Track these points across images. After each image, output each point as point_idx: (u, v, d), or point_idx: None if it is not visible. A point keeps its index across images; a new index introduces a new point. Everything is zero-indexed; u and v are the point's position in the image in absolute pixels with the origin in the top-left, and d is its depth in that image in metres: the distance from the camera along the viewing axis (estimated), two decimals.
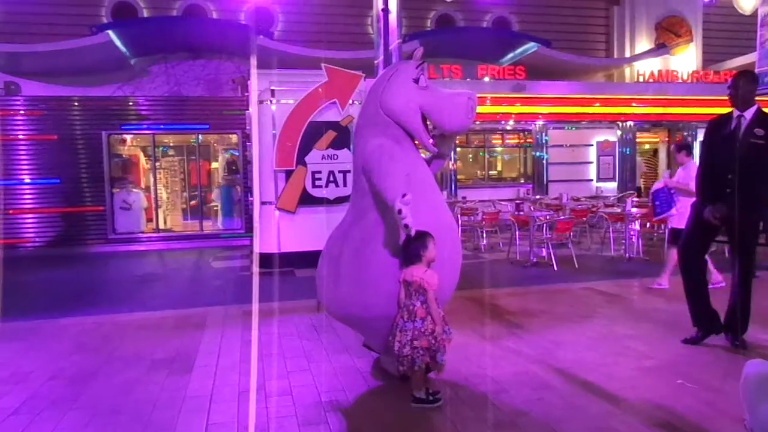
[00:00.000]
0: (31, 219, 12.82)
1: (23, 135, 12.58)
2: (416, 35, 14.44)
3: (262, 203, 9.70)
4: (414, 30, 15.37)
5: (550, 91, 15.04)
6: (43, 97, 12.77)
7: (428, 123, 3.86)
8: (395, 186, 3.36)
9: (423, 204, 3.75)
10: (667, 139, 17.53)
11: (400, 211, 3.18)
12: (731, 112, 4.57)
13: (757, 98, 4.60)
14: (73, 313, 6.62)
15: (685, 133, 16.48)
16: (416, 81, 3.77)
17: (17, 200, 12.55)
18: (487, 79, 14.44)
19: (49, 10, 13.34)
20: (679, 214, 6.96)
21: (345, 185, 9.18)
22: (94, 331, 5.74)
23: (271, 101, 9.69)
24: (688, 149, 7.51)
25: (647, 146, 18.58)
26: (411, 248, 3.51)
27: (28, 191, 12.75)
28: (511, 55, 15.51)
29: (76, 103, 12.87)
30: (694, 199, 6.80)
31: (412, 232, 3.31)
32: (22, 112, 12.54)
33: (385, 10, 6.80)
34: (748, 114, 4.46)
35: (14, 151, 12.47)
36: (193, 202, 14.44)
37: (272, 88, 9.77)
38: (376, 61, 7.34)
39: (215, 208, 14.48)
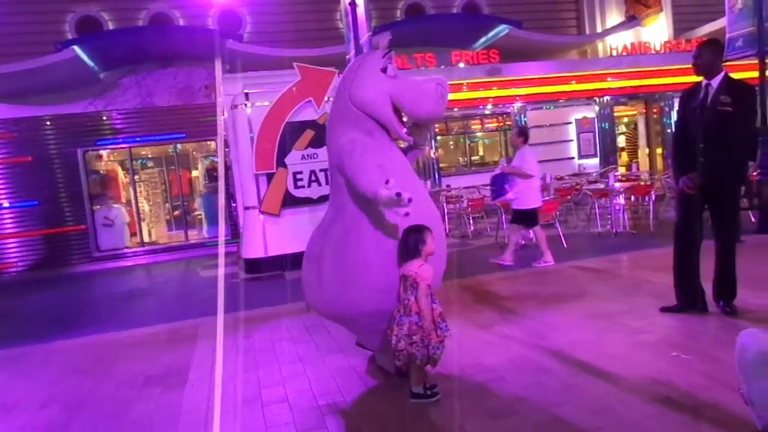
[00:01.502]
0: (11, 244, 12.62)
1: None
2: (386, 26, 14.34)
3: (246, 208, 9.61)
4: (384, 21, 15.28)
5: (526, 72, 15.04)
6: (13, 119, 12.54)
7: (401, 113, 3.80)
8: (371, 180, 3.27)
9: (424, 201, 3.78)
10: (644, 111, 17.62)
11: (397, 195, 2.99)
12: (701, 82, 4.58)
13: (729, 63, 4.61)
14: (61, 336, 6.51)
15: (662, 104, 16.59)
16: (384, 70, 3.71)
17: None
18: (461, 65, 14.41)
19: (13, 29, 13.09)
20: (520, 197, 7.58)
21: (327, 183, 9.11)
22: (84, 353, 5.65)
23: (246, 104, 9.58)
24: (526, 136, 7.96)
25: (626, 119, 18.69)
26: (409, 243, 3.46)
27: (6, 215, 12.56)
28: (483, 39, 15.47)
29: (48, 123, 12.68)
30: (533, 180, 7.34)
31: (408, 208, 3.08)
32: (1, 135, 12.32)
33: (353, 4, 6.73)
34: (715, 82, 4.49)
35: None
36: (176, 213, 14.30)
37: (246, 91, 9.67)
38: (347, 56, 7.27)
39: (199, 216, 14.36)
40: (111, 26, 13.99)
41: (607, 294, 5.67)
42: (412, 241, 3.45)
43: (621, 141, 18.06)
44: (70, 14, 13.79)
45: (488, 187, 13.43)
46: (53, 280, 11.68)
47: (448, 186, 14.02)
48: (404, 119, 3.82)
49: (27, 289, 10.85)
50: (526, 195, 7.59)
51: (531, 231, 8.00)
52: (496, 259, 7.91)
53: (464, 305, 5.80)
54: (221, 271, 10.53)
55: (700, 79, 4.62)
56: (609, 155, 16.44)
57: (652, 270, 6.34)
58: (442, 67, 14.53)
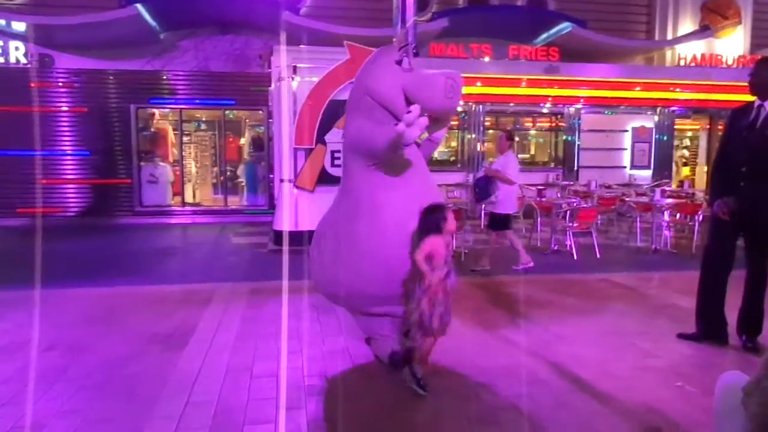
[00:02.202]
0: (61, 189, 13.14)
1: (55, 107, 12.85)
2: (445, 12, 14.07)
3: (281, 181, 9.69)
4: (446, 7, 15.01)
5: (585, 73, 14.50)
6: (75, 70, 12.97)
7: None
8: (384, 132, 3.42)
9: (413, 186, 3.73)
10: (708, 126, 16.79)
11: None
12: (753, 102, 4.28)
13: None
14: (87, 283, 6.75)
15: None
16: (399, 63, 3.73)
17: (48, 171, 12.86)
18: (489, 60, 13.95)
19: None
20: (500, 201, 7.53)
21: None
22: (102, 303, 5.83)
23: (292, 78, 9.62)
24: (513, 141, 7.94)
25: (690, 134, 17.84)
26: (430, 219, 3.48)
27: (59, 162, 13.06)
28: (545, 35, 14.99)
29: (106, 77, 13.05)
30: (513, 186, 7.33)
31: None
32: (60, 84, 12.81)
33: None
34: None
35: (47, 122, 12.74)
36: (219, 178, 14.57)
37: (294, 65, 9.70)
38: (394, 39, 7.13)
39: (241, 183, 14.59)
40: None
41: (627, 311, 5.45)
42: (433, 218, 3.47)
43: (681, 156, 17.28)
44: None
45: (530, 187, 13.19)
46: (95, 228, 12.12)
47: None
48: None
49: (68, 234, 11.28)
50: (507, 200, 7.61)
51: (495, 234, 7.87)
52: (517, 266, 7.75)
53: (476, 304, 5.69)
54: (285, 240, 10.68)
55: (753, 98, 4.32)
56: (663, 168, 15.77)
57: (681, 293, 6.05)
58: (497, 59, 14.20)
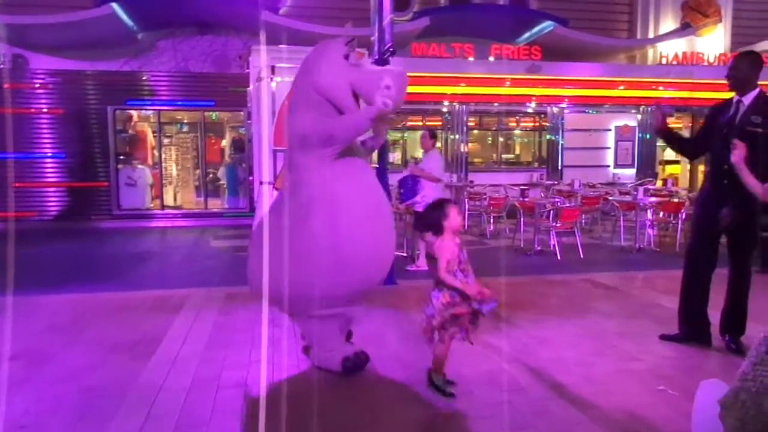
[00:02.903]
0: (37, 193, 12.85)
1: (30, 108, 12.55)
2: (427, 12, 13.98)
3: (261, 183, 9.50)
4: (428, 6, 14.90)
5: (568, 72, 14.49)
6: (50, 71, 12.70)
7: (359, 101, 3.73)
8: (359, 116, 3.56)
9: (366, 178, 3.78)
10: (690, 124, 16.84)
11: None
12: (732, 97, 4.19)
13: None
14: (58, 289, 6.53)
15: None
16: (346, 57, 3.65)
17: (23, 174, 12.56)
18: (491, 59, 13.93)
19: None
20: (424, 200, 7.27)
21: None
22: (72, 310, 5.62)
23: (271, 78, 9.43)
24: (436, 138, 7.95)
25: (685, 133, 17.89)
26: (432, 218, 3.37)
27: (34, 165, 12.77)
28: (527, 34, 14.94)
29: (83, 77, 12.80)
30: (437, 184, 7.32)
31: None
32: (37, 85, 12.52)
33: None
34: (747, 99, 4.09)
35: (21, 124, 12.45)
36: (198, 180, 14.34)
37: (273, 65, 9.52)
38: (372, 38, 6.99)
39: (222, 186, 14.37)
40: None
41: (609, 312, 5.35)
42: (434, 216, 3.36)
43: (668, 154, 17.28)
44: None
45: (514, 187, 13.13)
46: (71, 232, 11.85)
47: (471, 181, 13.65)
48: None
49: (44, 239, 11.00)
50: (431, 199, 7.55)
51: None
52: (410, 267, 7.82)
53: None
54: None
55: (732, 95, 4.23)
56: (647, 167, 15.79)
57: (664, 293, 5.96)
58: (480, 59, 14.15)
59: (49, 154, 12.81)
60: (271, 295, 3.73)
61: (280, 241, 3.55)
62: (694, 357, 4.15)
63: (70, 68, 12.88)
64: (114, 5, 11.65)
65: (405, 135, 15.30)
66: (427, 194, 7.44)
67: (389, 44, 6.46)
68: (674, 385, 3.58)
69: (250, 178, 11.83)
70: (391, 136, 14.45)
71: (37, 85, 12.60)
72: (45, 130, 12.77)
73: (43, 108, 12.72)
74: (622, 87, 14.87)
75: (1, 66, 12.62)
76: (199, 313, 5.40)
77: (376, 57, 6.74)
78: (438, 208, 3.39)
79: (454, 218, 3.33)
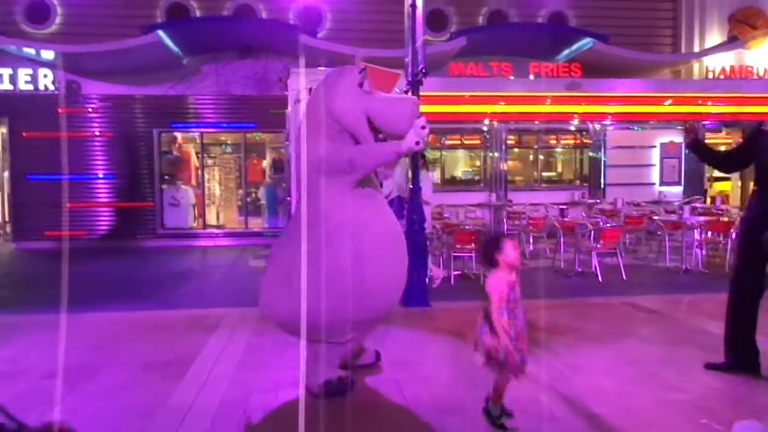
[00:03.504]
0: (87, 213, 13.33)
1: (82, 132, 13.11)
2: (463, 32, 13.95)
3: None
4: (465, 26, 14.89)
5: (610, 88, 14.17)
6: (101, 96, 13.25)
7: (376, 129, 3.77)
8: (385, 148, 3.65)
9: (384, 207, 3.83)
10: (741, 140, 16.22)
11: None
12: None
13: None
14: (100, 307, 6.70)
15: None
16: (360, 85, 3.67)
17: (75, 194, 13.07)
18: (531, 77, 13.79)
19: (107, 11, 13.78)
20: None
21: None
22: (110, 328, 5.77)
23: None
24: (426, 160, 8.03)
25: (722, 147, 17.27)
26: (487, 253, 3.32)
27: (85, 186, 13.28)
28: (566, 51, 14.72)
29: (131, 101, 13.31)
30: (426, 207, 7.10)
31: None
32: (89, 109, 13.10)
33: (413, 6, 6.49)
34: None
35: (73, 147, 12.98)
36: (240, 200, 14.62)
37: (311, 87, 9.67)
38: (406, 59, 7.03)
39: (262, 205, 14.60)
40: (198, 14, 14.41)
41: (651, 338, 5.14)
42: (488, 251, 3.30)
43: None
44: (161, 0, 14.35)
45: (555, 206, 12.86)
46: (117, 251, 12.22)
47: (509, 201, 13.46)
48: (380, 135, 3.81)
49: (91, 257, 11.36)
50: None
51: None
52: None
53: None
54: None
55: None
56: (695, 184, 15.25)
57: (711, 318, 5.67)
58: (518, 78, 14.03)
59: (100, 176, 13.31)
60: (284, 321, 3.77)
61: (291, 268, 3.58)
62: (740, 388, 3.93)
63: (120, 93, 13.40)
64: (160, 32, 12.07)
65: (443, 154, 15.25)
66: None
67: (422, 65, 6.48)
68: (719, 418, 3.39)
69: (288, 198, 11.97)
70: (431, 155, 14.43)
71: (90, 110, 13.16)
72: (96, 153, 13.29)
73: (95, 131, 13.26)
74: (667, 102, 14.47)
75: (57, 92, 13.22)
76: (233, 333, 5.45)
77: (410, 78, 6.77)
78: (494, 241, 3.31)
79: (509, 253, 3.22)
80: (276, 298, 3.79)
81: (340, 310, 3.49)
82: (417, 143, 3.50)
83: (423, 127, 3.50)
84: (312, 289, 3.50)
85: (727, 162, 4.74)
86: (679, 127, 14.96)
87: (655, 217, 10.74)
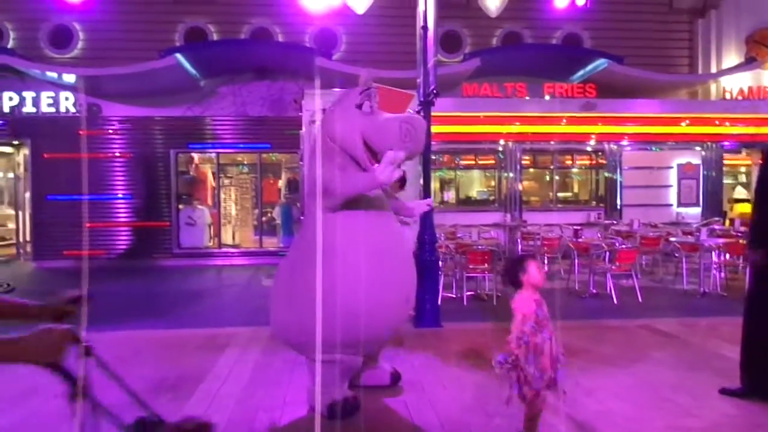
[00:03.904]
0: (105, 232, 13.51)
1: (102, 153, 13.36)
2: (478, 53, 14.07)
3: None
4: (479, 47, 15.01)
5: (625, 109, 14.17)
6: (121, 117, 13.52)
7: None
8: (361, 180, 3.57)
9: (381, 232, 3.79)
10: (760, 161, 15.97)
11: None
12: None
13: None
14: (116, 326, 6.74)
15: None
16: (359, 107, 3.68)
17: (94, 214, 13.28)
18: (547, 97, 13.82)
19: (127, 36, 14.16)
20: None
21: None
22: (123, 347, 5.78)
23: None
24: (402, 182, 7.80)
25: (743, 169, 17.05)
26: (511, 273, 3.33)
27: (103, 206, 13.48)
28: (581, 72, 14.76)
29: (150, 123, 13.55)
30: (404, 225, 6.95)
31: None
32: (110, 131, 13.38)
33: (425, 28, 6.56)
34: None
35: (93, 168, 13.23)
36: (256, 220, 14.72)
37: (325, 108, 9.79)
38: (418, 80, 7.09)
39: (278, 225, 14.69)
40: (216, 37, 14.78)
41: (666, 362, 5.04)
42: (512, 271, 3.31)
43: (739, 191, 16.41)
44: (180, 24, 14.71)
45: (571, 227, 12.75)
46: (134, 270, 12.34)
47: (524, 221, 13.38)
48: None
49: (108, 276, 11.47)
50: None
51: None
52: None
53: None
54: None
55: None
56: (713, 206, 15.05)
57: (729, 342, 5.55)
58: (533, 98, 14.08)
59: (120, 196, 13.53)
60: (282, 337, 3.89)
61: (292, 287, 3.62)
62: (757, 415, 3.83)
63: (139, 115, 13.67)
64: (178, 56, 12.35)
65: (458, 174, 15.25)
66: None
67: (433, 86, 6.52)
68: None
69: (302, 217, 12.05)
70: (447, 175, 14.46)
71: (110, 131, 13.43)
72: (115, 173, 13.52)
73: (114, 152, 13.51)
74: (684, 123, 14.38)
75: (78, 114, 13.52)
76: (243, 352, 5.46)
77: (422, 99, 6.81)
78: (517, 262, 3.32)
79: (533, 273, 3.24)
80: (279, 317, 3.83)
81: (327, 330, 3.49)
82: (392, 177, 3.43)
83: (393, 164, 3.40)
84: (305, 309, 3.53)
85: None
86: (697, 148, 14.85)
87: (672, 239, 10.60)
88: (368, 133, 3.59)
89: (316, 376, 3.75)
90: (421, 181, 7.29)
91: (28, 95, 13.33)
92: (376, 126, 3.59)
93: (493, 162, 14.89)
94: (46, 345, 1.60)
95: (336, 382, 3.79)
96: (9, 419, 3.92)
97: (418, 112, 7.12)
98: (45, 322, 1.70)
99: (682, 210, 15.05)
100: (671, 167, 14.99)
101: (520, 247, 11.79)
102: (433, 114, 6.94)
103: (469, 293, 8.40)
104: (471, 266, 8.39)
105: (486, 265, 8.38)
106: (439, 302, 7.06)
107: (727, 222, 14.98)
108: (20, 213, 14.53)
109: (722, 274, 9.41)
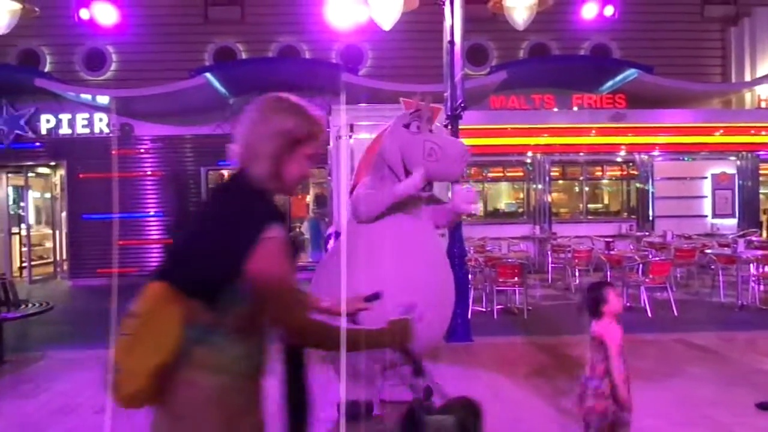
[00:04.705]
0: (137, 250, 13.77)
1: (134, 172, 13.67)
2: (505, 65, 14.01)
3: (337, 234, 9.69)
4: (506, 60, 14.96)
5: (655, 119, 13.94)
6: (152, 137, 13.83)
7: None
8: (384, 196, 3.66)
9: (416, 243, 3.84)
10: None
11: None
12: None
13: None
14: None
15: None
16: (406, 126, 3.84)
17: (128, 232, 13.55)
18: (575, 109, 13.71)
19: (158, 57, 14.52)
20: None
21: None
22: None
23: (350, 136, 9.75)
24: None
25: None
26: (590, 301, 3.20)
27: (136, 224, 13.76)
28: (610, 83, 14.57)
29: (181, 141, 13.82)
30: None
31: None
32: (142, 150, 13.71)
33: (452, 43, 6.59)
34: None
35: (125, 187, 13.54)
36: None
37: (352, 123, 9.86)
38: (444, 94, 7.11)
39: (306, 239, 14.77)
40: (244, 56, 15.05)
41: (704, 377, 4.90)
42: (592, 299, 3.18)
43: None
44: (210, 45, 15.03)
45: (602, 239, 12.56)
46: None
47: (554, 234, 13.22)
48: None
49: (139, 293, 11.68)
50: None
51: None
52: None
53: (536, 369, 5.29)
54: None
55: None
56: (750, 217, 14.66)
57: None
58: (560, 109, 13.96)
59: (152, 213, 13.79)
60: None
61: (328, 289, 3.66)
62: None
63: (170, 134, 13.95)
64: (208, 75, 12.59)
65: (486, 186, 15.16)
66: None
67: (461, 100, 6.53)
68: None
69: (331, 232, 12.12)
70: (475, 188, 14.41)
71: (142, 151, 13.74)
72: (147, 192, 13.80)
73: (146, 171, 13.80)
74: (718, 133, 14.08)
75: (111, 134, 13.87)
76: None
77: (449, 113, 6.83)
78: (597, 291, 3.19)
79: (614, 301, 3.14)
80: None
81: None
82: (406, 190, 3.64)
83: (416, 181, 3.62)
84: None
85: None
86: (732, 158, 14.52)
87: (708, 251, 10.35)
88: (404, 149, 3.77)
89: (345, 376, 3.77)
90: (449, 194, 7.27)
91: (65, 117, 13.72)
92: (410, 143, 3.76)
93: (521, 174, 14.78)
94: (401, 333, 1.86)
95: (364, 385, 3.82)
96: None
97: (446, 126, 7.15)
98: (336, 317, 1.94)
99: (717, 221, 14.69)
100: (705, 177, 14.68)
101: (550, 260, 11.65)
102: (460, 127, 6.95)
103: (499, 307, 8.32)
104: (501, 279, 8.32)
105: (516, 279, 8.30)
106: (469, 316, 7.01)
107: (765, 233, 14.58)
108: (57, 232, 14.92)
109: (761, 287, 9.13)
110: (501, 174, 15.10)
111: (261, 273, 1.55)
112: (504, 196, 15.82)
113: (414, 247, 3.79)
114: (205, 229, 1.70)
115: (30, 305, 6.77)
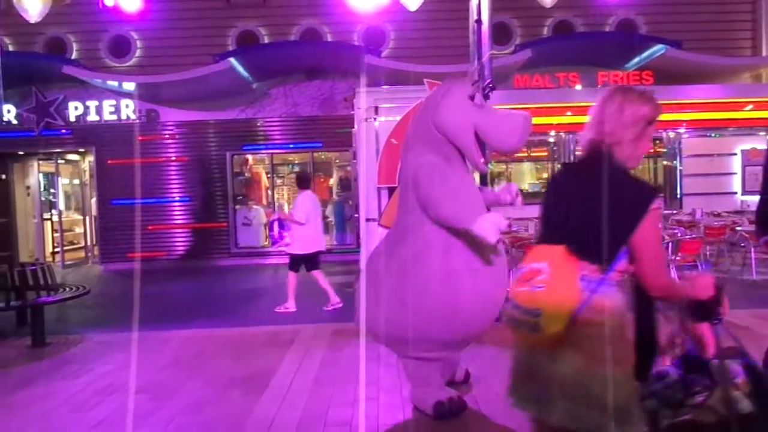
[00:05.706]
0: (165, 234, 14.00)
1: (160, 158, 13.84)
2: (529, 44, 13.82)
3: (367, 220, 9.74)
4: (530, 38, 14.76)
5: (684, 95, 13.65)
6: (177, 122, 13.96)
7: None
8: (459, 213, 3.37)
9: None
10: None
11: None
12: None
13: None
14: (182, 325, 7.02)
15: None
16: (471, 98, 3.63)
17: (154, 217, 13.77)
18: (600, 86, 13.49)
19: (182, 42, 14.60)
20: (293, 242, 7.97)
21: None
22: (192, 345, 6.01)
23: (374, 118, 9.74)
24: (301, 181, 8.41)
25: None
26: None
27: (163, 209, 13.96)
28: (636, 59, 14.30)
29: (205, 126, 13.93)
30: (304, 227, 7.58)
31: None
32: (167, 136, 13.85)
33: (479, 21, 6.51)
34: None
35: (152, 172, 13.72)
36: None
37: (376, 105, 9.84)
38: (472, 74, 7.04)
39: (330, 222, 14.86)
40: (266, 40, 15.05)
41: None
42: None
43: None
44: (232, 29, 15.06)
45: None
46: (194, 271, 12.75)
47: None
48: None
49: (170, 277, 11.93)
50: (299, 240, 7.89)
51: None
52: (280, 308, 7.99)
53: None
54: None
55: None
56: None
57: None
58: (585, 87, 13.73)
59: (177, 198, 13.97)
60: (376, 333, 3.80)
61: (391, 281, 3.61)
62: None
63: (194, 119, 14.08)
64: (232, 60, 12.64)
65: (509, 166, 15.06)
66: (293, 236, 7.91)
67: (489, 80, 6.48)
68: None
69: (356, 215, 12.17)
70: (496, 168, 14.33)
71: (167, 136, 13.89)
72: (172, 177, 13.97)
73: (171, 156, 13.96)
74: (748, 108, 13.77)
75: (137, 121, 14.03)
76: (308, 349, 5.58)
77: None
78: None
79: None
80: (370, 312, 3.77)
81: (424, 326, 3.51)
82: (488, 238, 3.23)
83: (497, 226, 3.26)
84: (399, 304, 3.53)
85: None
86: (762, 133, 14.20)
87: (738, 228, 10.20)
88: (485, 126, 3.53)
89: (420, 375, 3.78)
90: (476, 176, 7.25)
91: (92, 104, 13.91)
92: (496, 120, 3.53)
93: (545, 153, 14.65)
94: (705, 287, 2.11)
95: (439, 379, 3.82)
96: (96, 415, 4.14)
97: None
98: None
99: (747, 198, 14.43)
100: (734, 154, 14.40)
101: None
102: None
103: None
104: None
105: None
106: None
107: None
108: (87, 218, 15.22)
109: None
110: (525, 154, 14.96)
111: (646, 239, 1.94)
112: (527, 176, 15.70)
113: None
114: (593, 204, 1.96)
115: (67, 289, 6.95)
